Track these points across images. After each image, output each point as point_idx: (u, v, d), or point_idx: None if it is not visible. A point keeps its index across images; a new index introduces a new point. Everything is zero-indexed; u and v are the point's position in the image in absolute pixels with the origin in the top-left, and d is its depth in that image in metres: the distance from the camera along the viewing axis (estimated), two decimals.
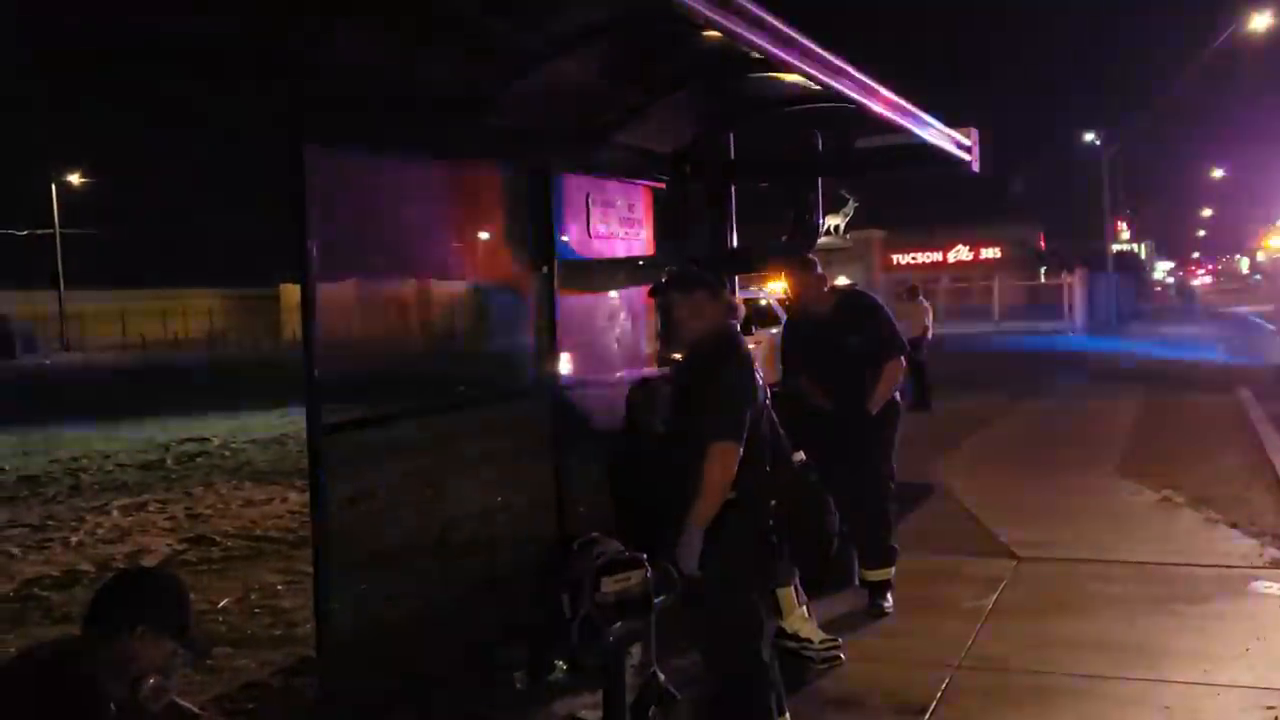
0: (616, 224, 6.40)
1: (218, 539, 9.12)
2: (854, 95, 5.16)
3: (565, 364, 5.83)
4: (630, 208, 6.56)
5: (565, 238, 5.88)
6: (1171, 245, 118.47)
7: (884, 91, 5.46)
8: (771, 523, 4.06)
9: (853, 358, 6.25)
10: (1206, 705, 4.79)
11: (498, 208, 5.50)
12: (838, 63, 4.84)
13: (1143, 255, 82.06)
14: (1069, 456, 11.70)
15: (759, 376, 4.10)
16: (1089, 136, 50.11)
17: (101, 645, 2.84)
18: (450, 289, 5.42)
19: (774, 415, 4.20)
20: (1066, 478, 10.32)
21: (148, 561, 8.31)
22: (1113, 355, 26.12)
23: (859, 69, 5.10)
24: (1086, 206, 54.55)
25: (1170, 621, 5.91)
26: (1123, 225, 65.91)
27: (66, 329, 59.33)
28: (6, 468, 13.93)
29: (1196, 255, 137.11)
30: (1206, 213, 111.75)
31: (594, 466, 5.79)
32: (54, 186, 61.59)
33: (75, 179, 63.86)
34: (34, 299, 59.27)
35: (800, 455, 4.28)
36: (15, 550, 8.95)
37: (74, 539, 9.38)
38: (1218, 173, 79.49)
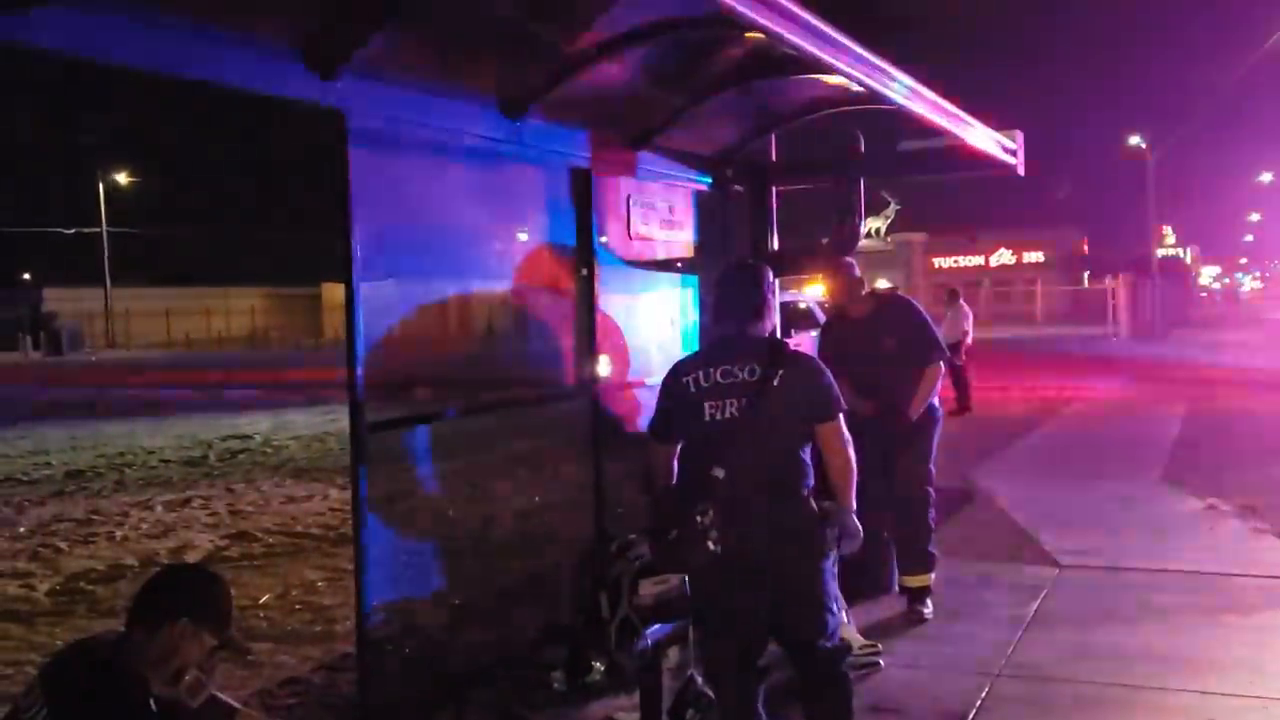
0: (657, 226, 6.40)
1: (259, 535, 9.20)
2: (897, 98, 5.12)
3: (605, 366, 5.83)
4: (671, 210, 6.55)
5: (605, 239, 5.88)
6: (1218, 250, 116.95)
7: (928, 94, 5.41)
8: None
9: (891, 362, 6.21)
10: (1253, 719, 4.71)
11: (539, 209, 5.51)
12: (881, 65, 4.81)
13: (1188, 260, 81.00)
14: (1112, 462, 11.58)
15: None
16: (1134, 140, 49.52)
17: (145, 639, 2.88)
18: (492, 289, 5.44)
19: None
20: (1109, 484, 10.21)
21: (190, 557, 8.41)
22: (1157, 361, 25.80)
23: (902, 70, 5.06)
24: (1131, 210, 54.06)
25: (1216, 632, 5.82)
26: (1168, 229, 65.17)
27: (112, 326, 60.17)
28: (54, 463, 14.15)
29: (1244, 260, 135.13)
30: (1255, 217, 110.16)
31: (634, 468, 5.79)
32: (101, 185, 62.48)
33: (122, 178, 64.74)
34: (81, 297, 60.25)
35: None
36: (62, 544, 9.08)
37: (119, 534, 9.50)
38: (1266, 176, 78.31)
